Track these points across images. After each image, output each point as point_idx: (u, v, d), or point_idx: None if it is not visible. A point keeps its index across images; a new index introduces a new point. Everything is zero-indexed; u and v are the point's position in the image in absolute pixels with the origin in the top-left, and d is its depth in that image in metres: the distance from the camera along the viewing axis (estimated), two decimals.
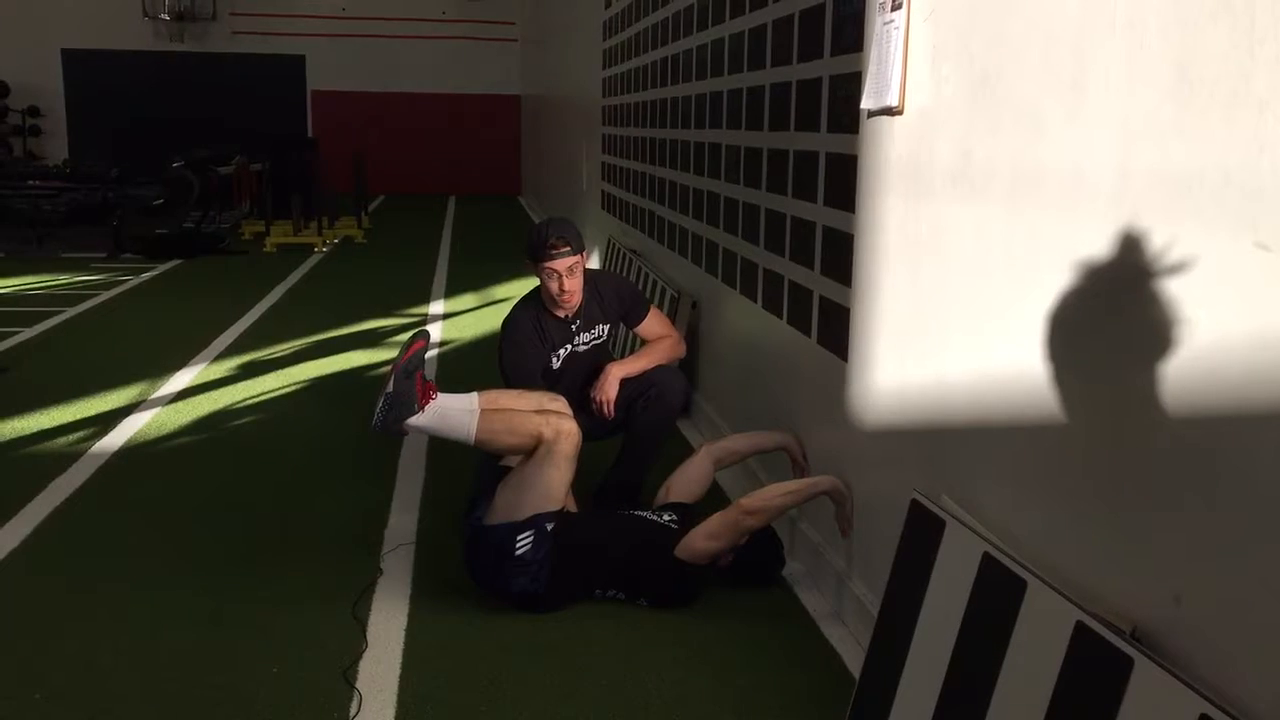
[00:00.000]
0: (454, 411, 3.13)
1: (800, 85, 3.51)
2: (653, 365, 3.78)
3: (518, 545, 3.02)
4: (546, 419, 3.08)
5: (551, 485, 3.06)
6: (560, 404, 3.35)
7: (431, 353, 6.43)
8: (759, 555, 3.25)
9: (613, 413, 3.69)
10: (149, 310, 7.95)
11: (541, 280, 3.62)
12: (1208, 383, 1.62)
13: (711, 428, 4.69)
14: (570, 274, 3.58)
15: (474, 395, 3.20)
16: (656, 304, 5.42)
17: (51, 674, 2.74)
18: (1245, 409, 1.55)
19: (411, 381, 3.06)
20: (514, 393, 3.38)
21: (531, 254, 3.61)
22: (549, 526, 3.04)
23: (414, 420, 3.07)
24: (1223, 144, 1.57)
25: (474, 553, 3.13)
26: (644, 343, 3.93)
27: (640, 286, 5.85)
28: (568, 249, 3.56)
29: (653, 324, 3.92)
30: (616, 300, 3.87)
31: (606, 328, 3.83)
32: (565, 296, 3.60)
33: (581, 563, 3.11)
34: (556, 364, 3.73)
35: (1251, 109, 1.51)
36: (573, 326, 3.74)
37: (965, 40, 2.36)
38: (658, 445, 3.83)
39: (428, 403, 3.09)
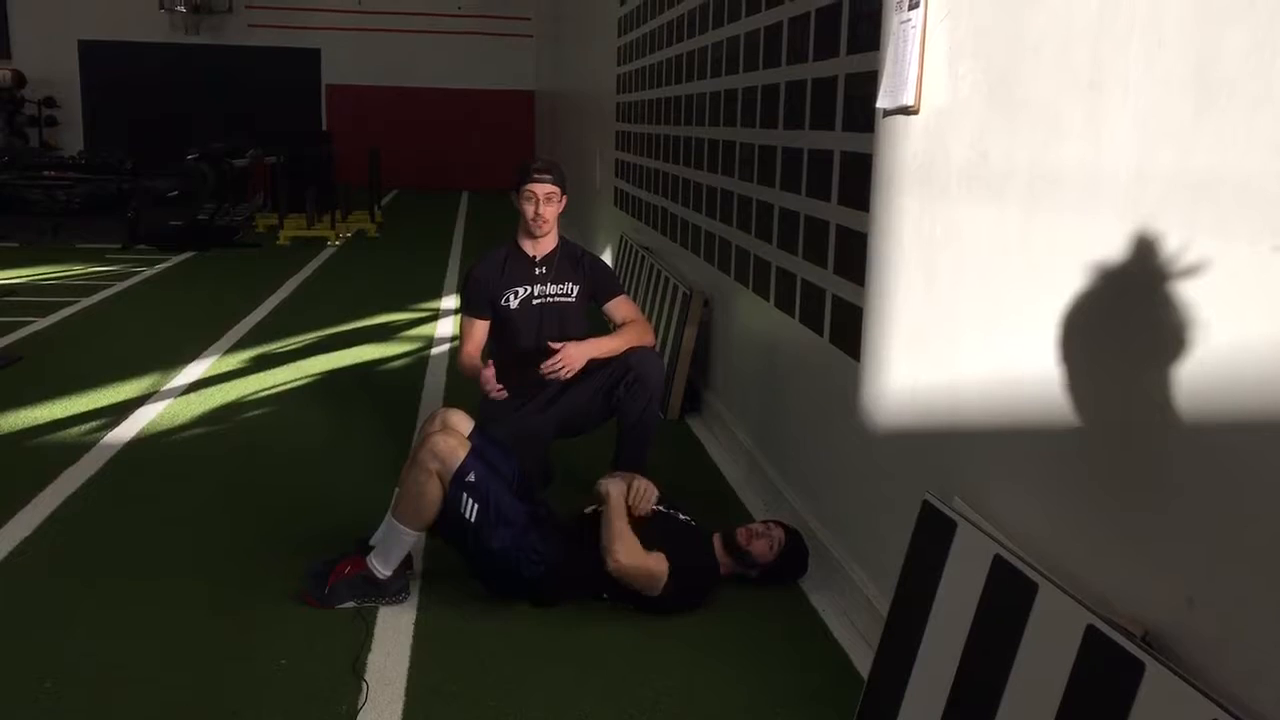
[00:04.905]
0: (376, 536, 3.14)
1: (816, 83, 3.50)
2: (622, 348, 3.81)
3: (465, 512, 3.00)
4: (415, 455, 3.08)
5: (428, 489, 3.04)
6: (436, 422, 3.30)
7: (441, 348, 6.44)
8: (786, 574, 3.26)
9: (564, 378, 3.72)
10: (162, 302, 7.98)
11: (520, 207, 3.84)
12: (1223, 386, 1.61)
13: (722, 425, 4.68)
14: (546, 202, 3.81)
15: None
16: (668, 301, 5.42)
17: (60, 661, 2.75)
18: (1261, 412, 1.54)
19: (329, 585, 3.06)
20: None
21: (515, 179, 3.84)
22: (469, 478, 3.00)
23: (373, 561, 3.06)
24: (1243, 146, 1.56)
25: (471, 564, 3.14)
26: (614, 326, 3.95)
27: (652, 283, 5.86)
28: (549, 176, 3.82)
29: (623, 306, 3.99)
30: (592, 271, 4.02)
31: (577, 289, 3.92)
32: (538, 222, 3.81)
33: (591, 560, 3.09)
34: (514, 302, 3.85)
35: (1273, 110, 1.50)
36: (538, 270, 3.88)
37: (983, 39, 2.35)
38: (652, 430, 3.84)
39: (360, 561, 3.09)
